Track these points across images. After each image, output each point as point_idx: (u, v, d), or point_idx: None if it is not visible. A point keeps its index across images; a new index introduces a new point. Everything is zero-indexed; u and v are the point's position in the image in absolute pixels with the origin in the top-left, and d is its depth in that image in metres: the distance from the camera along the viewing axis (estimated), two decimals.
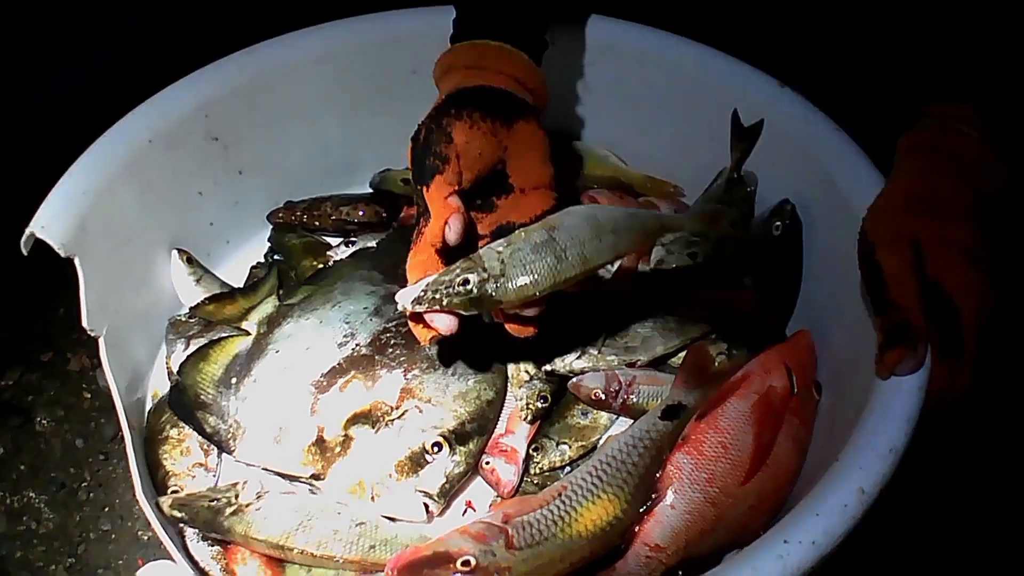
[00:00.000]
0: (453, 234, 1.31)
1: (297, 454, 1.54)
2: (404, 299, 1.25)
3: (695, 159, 1.91)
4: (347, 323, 1.69)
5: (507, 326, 1.36)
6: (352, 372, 1.60)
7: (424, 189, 1.33)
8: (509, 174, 1.43)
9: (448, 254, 1.33)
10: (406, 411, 1.56)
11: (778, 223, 1.74)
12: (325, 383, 1.60)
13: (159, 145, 1.72)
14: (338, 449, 1.53)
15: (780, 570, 1.13)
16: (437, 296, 1.24)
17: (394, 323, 1.68)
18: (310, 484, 1.54)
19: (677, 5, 2.01)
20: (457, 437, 1.53)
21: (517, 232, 1.29)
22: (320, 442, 1.54)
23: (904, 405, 1.28)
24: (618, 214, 1.34)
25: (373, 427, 1.55)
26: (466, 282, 1.24)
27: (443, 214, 1.30)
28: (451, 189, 1.32)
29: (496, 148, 1.39)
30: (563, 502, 1.35)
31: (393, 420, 1.55)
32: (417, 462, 1.51)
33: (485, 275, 1.24)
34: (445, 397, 1.58)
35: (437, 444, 1.52)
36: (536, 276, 1.25)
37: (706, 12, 2.10)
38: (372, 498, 1.50)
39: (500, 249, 1.27)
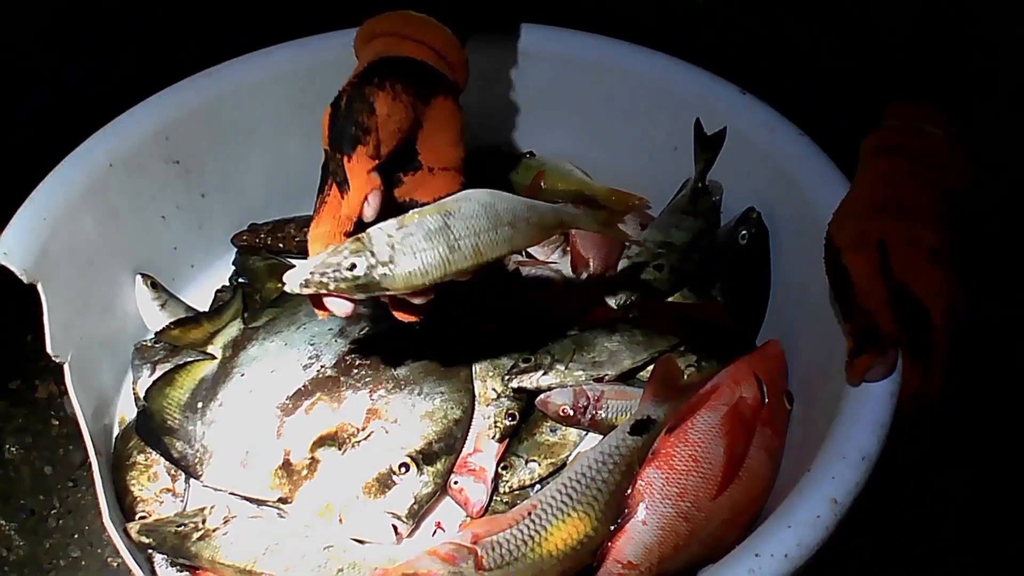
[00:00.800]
0: (371, 210, 1.26)
1: (264, 478, 1.53)
2: (292, 282, 1.20)
3: (660, 170, 1.91)
4: (312, 344, 1.68)
5: (393, 311, 1.32)
6: (318, 394, 1.60)
7: (345, 159, 1.26)
8: (419, 151, 1.37)
9: (357, 227, 1.28)
10: (372, 432, 1.55)
11: (744, 231, 1.74)
12: (291, 406, 1.59)
13: (120, 169, 1.71)
14: (305, 472, 1.52)
15: None
16: (324, 280, 1.19)
17: (359, 343, 1.67)
18: (278, 508, 1.53)
19: (637, 16, 2.00)
20: (424, 457, 1.52)
21: (411, 214, 1.24)
22: (287, 465, 1.53)
23: (875, 411, 1.28)
24: (517, 205, 1.30)
25: (340, 449, 1.54)
26: (353, 267, 1.19)
27: (363, 188, 1.25)
28: (373, 163, 1.26)
29: (413, 122, 1.33)
30: (533, 521, 1.35)
31: (360, 441, 1.54)
32: (385, 483, 1.50)
33: (373, 260, 1.19)
34: (411, 417, 1.57)
35: (404, 465, 1.51)
36: (426, 266, 1.21)
37: (665, 21, 2.10)
38: (340, 520, 1.49)
39: (391, 233, 1.22)
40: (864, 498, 1.21)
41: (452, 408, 1.59)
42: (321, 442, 1.54)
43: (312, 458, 1.53)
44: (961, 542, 1.66)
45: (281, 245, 1.95)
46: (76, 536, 1.69)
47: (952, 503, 1.69)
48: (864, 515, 1.22)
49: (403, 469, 1.50)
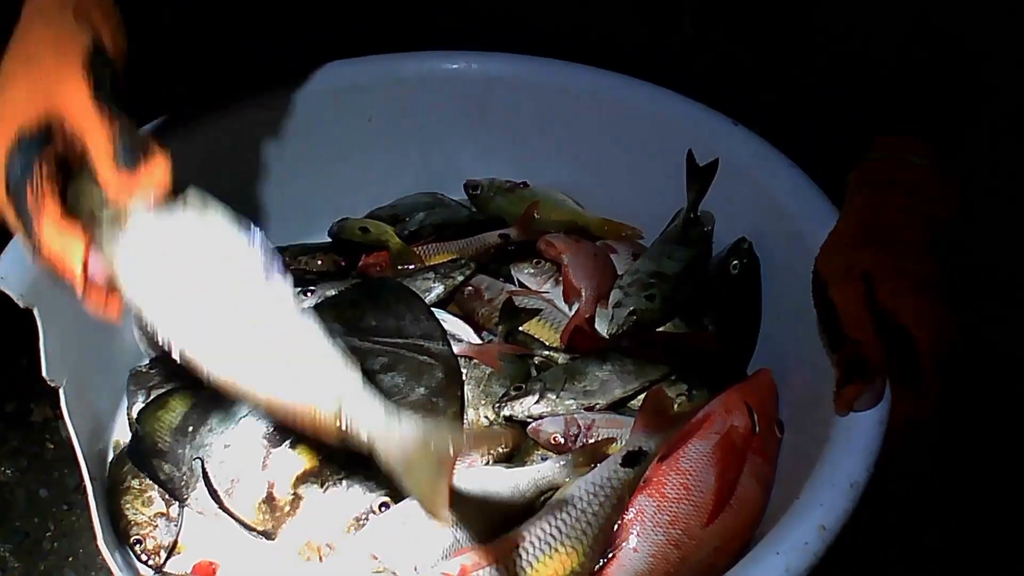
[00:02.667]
0: None
1: (248, 511, 1.52)
2: None
3: (652, 200, 1.92)
4: None
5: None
6: None
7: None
8: None
9: None
10: (355, 469, 1.53)
11: (736, 262, 1.75)
12: (277, 437, 1.58)
13: None
14: (287, 508, 1.51)
15: None
16: None
17: None
18: (263, 538, 1.52)
19: (629, 46, 2.02)
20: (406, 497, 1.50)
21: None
22: (270, 499, 1.52)
23: (864, 439, 1.28)
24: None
25: (322, 487, 1.53)
26: None
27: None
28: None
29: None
30: (520, 555, 1.35)
31: (341, 479, 1.53)
32: (363, 522, 1.50)
33: None
34: None
35: (384, 504, 1.50)
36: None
37: (657, 52, 2.12)
38: (320, 559, 1.49)
39: None
40: (853, 523, 1.22)
41: None
42: (304, 478, 1.53)
43: (295, 494, 1.52)
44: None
45: None
46: (70, 559, 1.68)
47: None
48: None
49: (383, 508, 1.50)
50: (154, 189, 1.17)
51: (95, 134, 1.16)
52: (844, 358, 1.33)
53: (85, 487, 1.47)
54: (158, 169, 1.18)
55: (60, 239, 1.16)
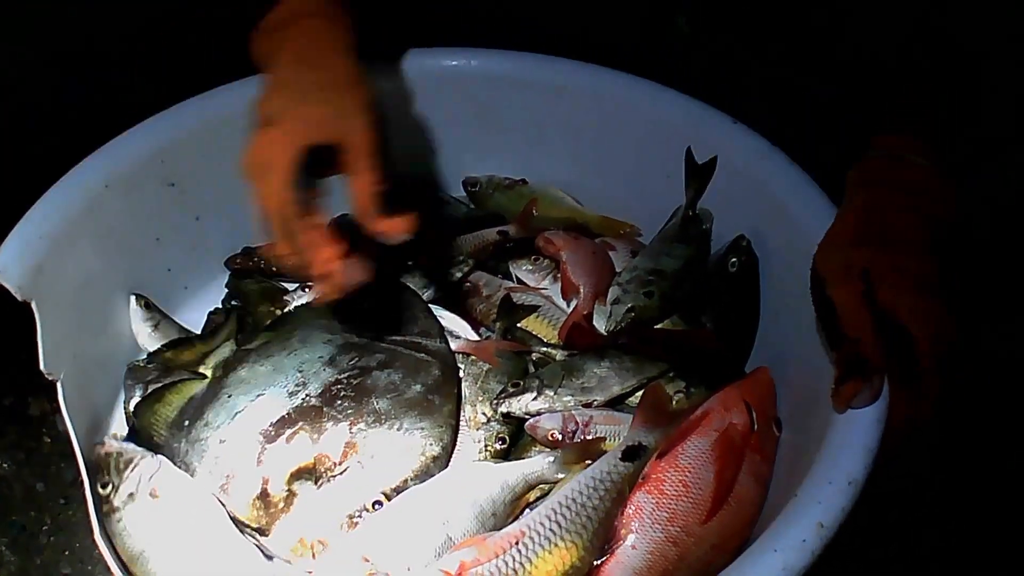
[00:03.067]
0: None
1: (242, 507, 1.52)
2: None
3: (650, 197, 1.92)
4: (300, 372, 1.67)
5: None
6: (300, 423, 1.59)
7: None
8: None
9: None
10: (349, 467, 1.54)
11: (734, 259, 1.75)
12: (273, 433, 1.58)
13: (116, 190, 1.73)
14: (281, 505, 1.51)
15: None
16: None
17: (346, 374, 1.66)
18: (255, 536, 1.52)
19: (628, 46, 2.02)
20: (399, 494, 1.51)
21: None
22: (264, 496, 1.52)
23: (862, 437, 1.28)
24: (496, 493, 1.51)
25: (316, 483, 1.53)
26: None
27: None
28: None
29: None
30: (519, 551, 1.34)
31: (335, 476, 1.53)
32: (357, 520, 1.49)
33: None
34: (389, 453, 1.56)
35: (378, 503, 1.50)
36: None
37: (656, 50, 2.12)
38: (312, 556, 1.48)
39: None
40: (852, 522, 1.22)
41: (431, 444, 1.57)
42: (299, 474, 1.53)
43: (289, 491, 1.52)
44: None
45: (275, 268, 1.95)
46: (67, 553, 1.68)
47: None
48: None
49: (376, 507, 1.49)
50: (401, 235, 1.36)
51: (364, 177, 1.35)
52: (843, 356, 1.32)
53: (82, 481, 1.47)
54: (404, 221, 1.35)
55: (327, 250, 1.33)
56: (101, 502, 1.49)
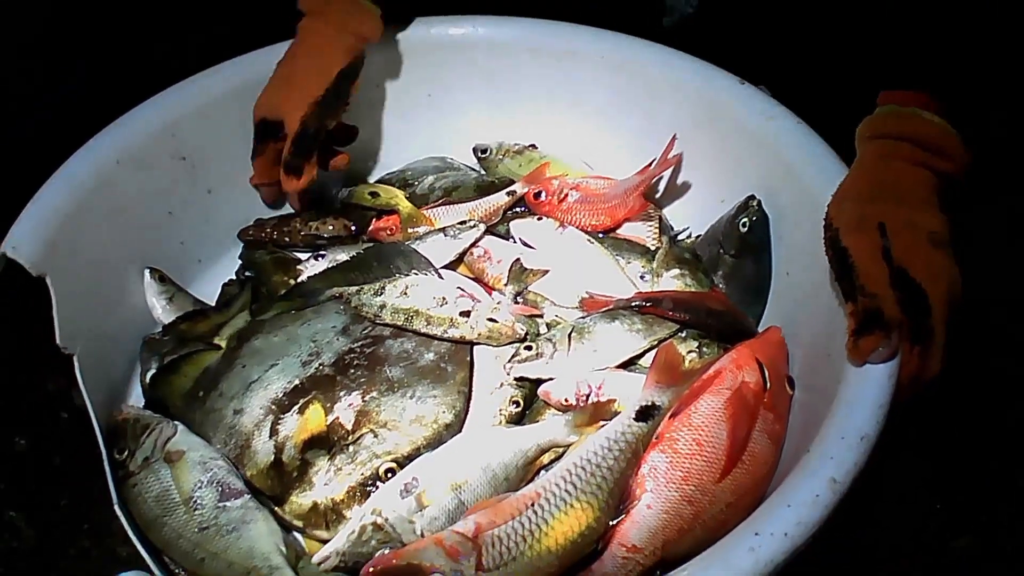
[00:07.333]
0: None
1: (257, 476, 1.53)
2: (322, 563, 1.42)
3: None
4: (313, 341, 1.68)
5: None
6: (313, 392, 1.59)
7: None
8: None
9: None
10: (361, 436, 1.54)
11: (745, 219, 1.74)
12: (287, 402, 1.59)
13: (127, 166, 1.74)
14: (295, 474, 1.52)
15: (752, 564, 1.12)
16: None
17: (359, 344, 1.67)
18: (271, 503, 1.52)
19: (634, 10, 2.01)
20: (411, 462, 1.51)
21: (425, 493, 1.45)
22: (278, 465, 1.53)
23: (874, 392, 1.28)
24: (508, 458, 1.51)
25: (329, 452, 1.53)
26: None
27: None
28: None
29: None
30: (535, 512, 1.34)
31: (348, 445, 1.53)
32: (370, 488, 1.50)
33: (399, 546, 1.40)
34: (401, 421, 1.56)
35: (390, 470, 1.50)
36: None
37: (660, 16, 2.11)
38: (327, 525, 1.49)
39: (413, 518, 1.43)
40: (862, 480, 1.22)
41: (444, 412, 1.58)
42: (312, 443, 1.54)
43: (303, 459, 1.53)
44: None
45: (287, 239, 1.95)
46: (85, 526, 1.68)
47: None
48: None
49: (388, 475, 1.50)
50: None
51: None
52: (861, 309, 1.32)
53: (100, 453, 1.49)
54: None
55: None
56: (117, 469, 1.51)
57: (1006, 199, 1.47)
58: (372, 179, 2.14)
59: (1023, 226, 1.48)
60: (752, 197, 1.76)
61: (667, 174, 1.93)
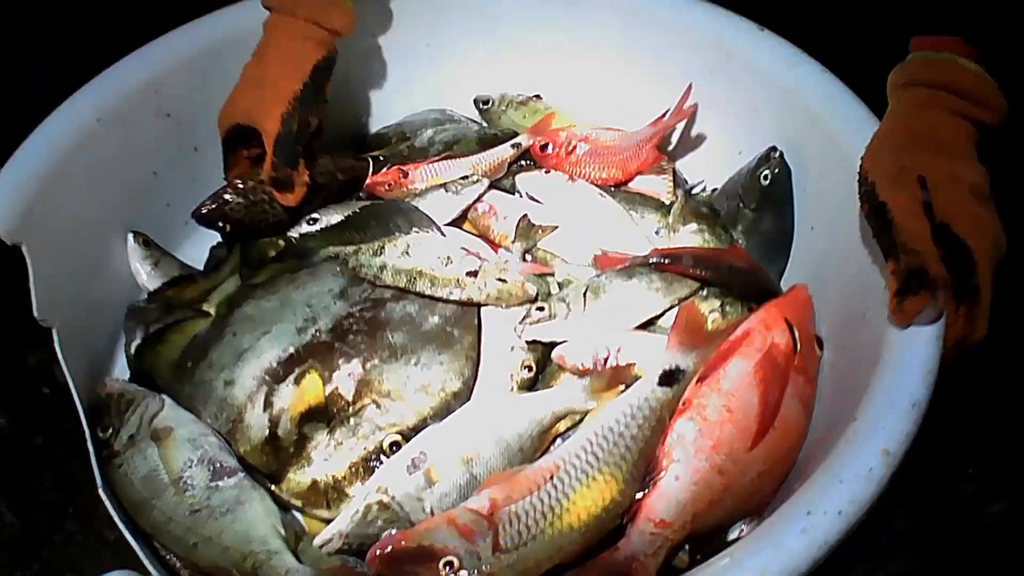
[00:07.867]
0: None
1: (251, 452, 1.49)
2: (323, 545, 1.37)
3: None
4: (309, 306, 1.62)
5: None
6: (309, 361, 1.54)
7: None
8: None
9: None
10: (364, 407, 1.49)
11: (766, 172, 1.70)
12: (281, 372, 1.54)
13: (109, 124, 1.69)
14: (292, 449, 1.47)
15: (806, 545, 1.09)
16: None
17: (359, 307, 1.61)
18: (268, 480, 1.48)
19: None
20: (417, 434, 1.46)
21: (434, 467, 1.39)
22: (274, 440, 1.48)
23: (922, 356, 1.24)
24: (523, 427, 1.44)
25: (328, 425, 1.48)
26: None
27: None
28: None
29: None
30: (555, 486, 1.28)
31: (349, 417, 1.49)
32: (374, 464, 1.45)
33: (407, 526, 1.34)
34: (406, 390, 1.51)
35: (395, 444, 1.45)
36: None
37: None
38: (328, 504, 1.44)
39: (422, 495, 1.38)
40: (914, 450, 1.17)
41: (451, 380, 1.53)
42: (310, 416, 1.49)
43: (300, 434, 1.48)
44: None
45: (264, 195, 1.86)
46: (70, 510, 1.64)
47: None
48: None
49: (393, 448, 1.44)
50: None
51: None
52: (904, 268, 1.26)
53: (83, 431, 1.46)
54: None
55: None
56: (101, 448, 1.47)
57: (1006, 199, 1.41)
58: (369, 133, 2.11)
59: (1023, 226, 1.42)
60: (774, 148, 1.72)
61: (680, 125, 1.89)
